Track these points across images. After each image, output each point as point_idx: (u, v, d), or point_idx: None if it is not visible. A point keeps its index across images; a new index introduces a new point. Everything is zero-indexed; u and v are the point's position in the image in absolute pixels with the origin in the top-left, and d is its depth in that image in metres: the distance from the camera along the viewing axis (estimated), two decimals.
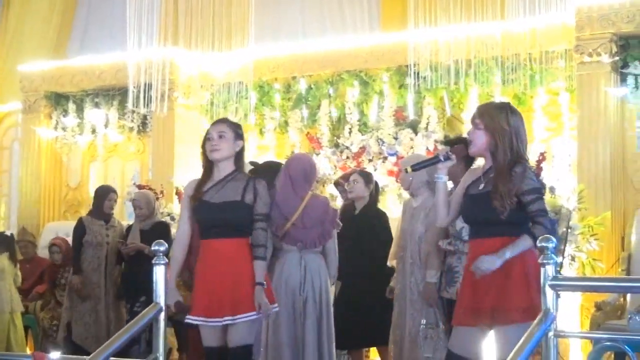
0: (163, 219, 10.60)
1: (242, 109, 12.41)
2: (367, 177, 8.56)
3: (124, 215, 12.64)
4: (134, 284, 9.44)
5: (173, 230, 10.34)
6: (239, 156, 6.02)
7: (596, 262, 9.40)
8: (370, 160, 11.47)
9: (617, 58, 9.97)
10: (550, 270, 4.52)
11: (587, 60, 9.98)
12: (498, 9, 10.35)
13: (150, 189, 11.15)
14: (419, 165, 5.63)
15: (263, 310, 5.85)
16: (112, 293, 10.02)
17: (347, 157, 11.61)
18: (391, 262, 7.91)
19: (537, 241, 4.61)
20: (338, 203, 9.77)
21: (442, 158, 5.33)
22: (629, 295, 8.93)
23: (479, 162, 5.65)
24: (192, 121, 12.77)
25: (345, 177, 9.00)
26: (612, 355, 8.11)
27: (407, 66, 10.95)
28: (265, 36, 12.28)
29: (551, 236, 4.62)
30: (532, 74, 10.51)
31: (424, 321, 7.06)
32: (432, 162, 5.41)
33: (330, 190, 10.90)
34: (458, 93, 10.94)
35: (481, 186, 5.29)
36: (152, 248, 5.22)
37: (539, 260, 4.56)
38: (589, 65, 10.00)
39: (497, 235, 5.19)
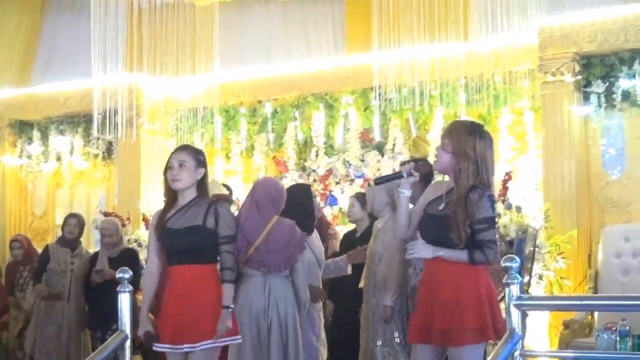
0: (130, 246, 10.55)
1: (208, 134, 12.43)
2: (363, 199, 8.50)
3: (90, 242, 12.57)
4: (103, 313, 9.33)
5: (141, 257, 10.33)
6: (201, 183, 5.98)
7: (564, 280, 9.45)
8: (337, 183, 11.50)
9: (579, 77, 10.06)
10: (514, 290, 4.55)
11: (551, 79, 10.06)
12: (461, 30, 10.39)
13: (116, 215, 11.11)
14: (382, 180, 5.60)
15: (219, 333, 5.77)
16: (75, 321, 9.92)
17: (314, 180, 11.63)
18: (361, 284, 7.87)
19: (502, 262, 4.64)
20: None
21: (404, 174, 5.31)
22: (596, 313, 8.98)
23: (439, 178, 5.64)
24: (157, 146, 12.76)
25: None
26: None
27: (372, 88, 10.94)
28: (230, 60, 12.25)
29: (515, 256, 4.64)
30: (497, 94, 10.55)
31: (379, 342, 7.04)
32: (395, 177, 5.39)
33: None
34: (423, 114, 10.98)
35: (441, 206, 5.29)
36: (118, 276, 5.19)
37: (504, 280, 4.58)
38: (552, 85, 10.07)
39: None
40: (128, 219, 11.60)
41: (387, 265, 7.02)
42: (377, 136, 11.51)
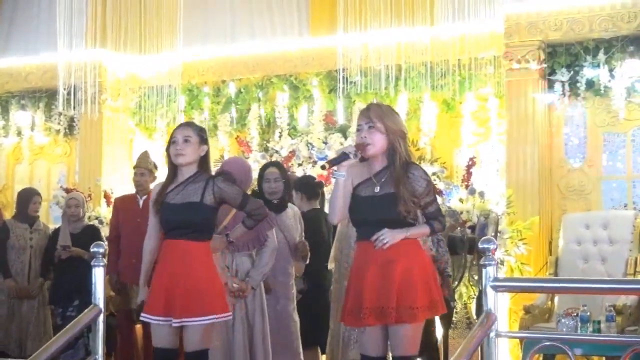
0: (91, 223, 10.49)
1: (170, 112, 12.35)
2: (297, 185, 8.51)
3: (49, 218, 12.49)
4: (66, 288, 9.26)
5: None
6: (203, 160, 5.95)
7: (524, 266, 9.56)
8: (299, 165, 11.47)
9: (544, 65, 10.13)
10: (491, 271, 4.58)
11: (516, 67, 10.12)
12: (428, 15, 10.44)
13: (77, 192, 11.00)
14: (333, 162, 5.54)
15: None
16: (34, 295, 9.85)
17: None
18: (330, 265, 7.91)
19: (479, 243, 4.68)
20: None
21: (351, 156, 5.24)
22: (556, 299, 9.10)
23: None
24: (119, 124, 12.70)
25: None
26: (541, 358, 8.26)
27: (336, 71, 10.96)
28: (194, 39, 12.20)
29: (492, 238, 4.67)
30: (462, 79, 10.61)
31: None
32: (343, 158, 5.32)
33: None
34: (388, 98, 10.94)
35: (377, 188, 5.30)
36: (91, 250, 5.15)
37: (481, 262, 4.61)
38: (517, 72, 10.14)
39: None
40: (89, 195, 11.50)
41: None
42: (340, 119, 11.52)
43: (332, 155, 10.98)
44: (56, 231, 9.76)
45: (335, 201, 5.39)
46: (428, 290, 5.23)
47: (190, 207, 5.76)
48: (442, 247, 7.85)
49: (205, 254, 5.84)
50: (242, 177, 6.91)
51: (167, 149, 5.93)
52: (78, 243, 9.18)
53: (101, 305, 5.08)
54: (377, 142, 5.27)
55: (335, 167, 5.24)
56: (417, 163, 5.50)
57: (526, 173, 10.02)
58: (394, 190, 5.21)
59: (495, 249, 4.61)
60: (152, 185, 8.45)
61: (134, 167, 9.51)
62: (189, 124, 6.07)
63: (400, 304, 5.15)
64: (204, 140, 5.93)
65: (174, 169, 5.91)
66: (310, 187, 8.69)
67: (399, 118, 5.41)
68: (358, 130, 5.36)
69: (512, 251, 9.48)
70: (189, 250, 5.74)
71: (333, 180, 5.45)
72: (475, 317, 9.29)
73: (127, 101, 12.71)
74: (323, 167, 5.46)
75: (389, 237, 5.17)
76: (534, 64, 10.05)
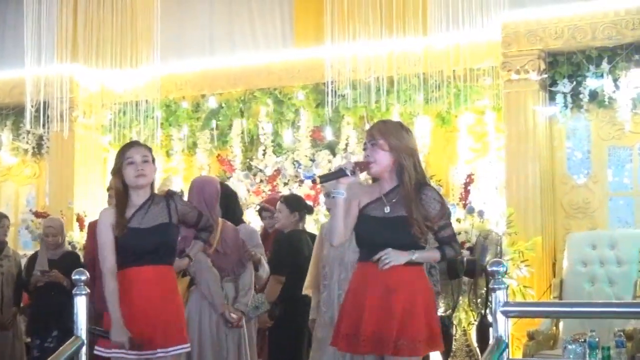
0: (70, 249, 10.38)
1: (147, 129, 12.24)
2: (291, 203, 8.41)
3: (17, 244, 12.40)
4: (43, 318, 9.12)
5: None
6: (152, 182, 5.96)
7: (527, 289, 9.48)
8: (285, 184, 11.41)
9: (545, 75, 10.11)
10: (501, 295, 4.52)
11: (515, 77, 10.10)
12: (420, 24, 10.40)
13: (47, 215, 10.91)
14: (326, 178, 5.47)
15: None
16: (7, 326, 9.73)
17: (261, 181, 11.56)
18: (307, 291, 7.76)
19: (488, 266, 4.61)
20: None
21: (348, 172, 5.19)
22: (561, 324, 9.03)
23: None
24: (92, 142, 12.63)
25: (272, 201, 8.87)
26: None
27: (324, 83, 10.92)
28: (172, 51, 12.13)
29: (501, 260, 4.62)
30: (457, 92, 10.58)
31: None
32: (339, 174, 5.26)
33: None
34: (379, 112, 10.92)
35: (387, 209, 5.24)
36: (73, 277, 5.06)
37: (490, 285, 4.55)
38: (516, 83, 10.13)
39: None
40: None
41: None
42: (328, 135, 11.48)
43: (318, 173, 10.95)
44: (32, 257, 9.62)
45: (336, 222, 5.32)
46: (429, 324, 5.18)
47: (161, 229, 5.71)
48: (435, 274, 7.83)
49: (174, 277, 5.88)
50: (217, 198, 6.97)
51: (117, 171, 5.82)
52: (57, 269, 9.09)
53: (83, 336, 4.98)
54: (381, 160, 5.22)
55: (329, 184, 5.18)
56: (429, 184, 5.42)
57: (527, 190, 9.99)
58: (405, 213, 5.16)
59: (506, 271, 4.55)
60: None
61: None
62: (141, 144, 6.04)
63: (400, 336, 5.09)
64: (154, 160, 5.91)
65: (125, 191, 5.83)
66: (307, 206, 8.60)
67: (407, 135, 5.32)
68: (364, 149, 5.37)
69: (513, 274, 9.40)
70: (163, 274, 5.69)
71: (322, 200, 5.41)
72: (475, 344, 9.23)
73: (100, 118, 12.64)
74: (314, 181, 5.39)
75: (392, 257, 5.09)
76: (534, 74, 10.04)
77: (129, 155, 5.79)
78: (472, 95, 10.63)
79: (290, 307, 8.07)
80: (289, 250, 7.95)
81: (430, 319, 5.21)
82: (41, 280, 9.19)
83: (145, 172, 5.75)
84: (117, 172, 5.82)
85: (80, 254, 10.28)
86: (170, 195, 6.01)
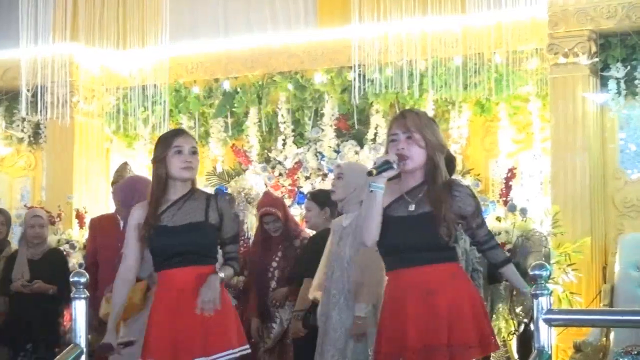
0: (57, 246, 10.44)
1: (154, 117, 12.29)
2: (320, 199, 8.40)
3: (10, 242, 12.43)
4: (19, 327, 9.17)
5: (74, 261, 10.23)
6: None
7: (574, 295, 9.47)
8: (307, 178, 11.44)
9: (596, 59, 10.10)
10: (544, 302, 4.55)
11: (562, 61, 10.07)
12: (458, 1, 10.43)
13: (45, 211, 10.98)
14: (378, 170, 5.39)
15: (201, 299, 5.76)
16: None
17: (280, 174, 11.57)
18: (313, 295, 7.73)
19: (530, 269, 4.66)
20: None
21: (395, 165, 5.14)
22: (612, 335, 9.03)
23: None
24: (94, 131, 12.69)
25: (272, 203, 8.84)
26: None
27: (350, 67, 10.95)
28: (182, 31, 12.19)
29: (544, 263, 4.66)
30: (498, 77, 10.57)
31: None
32: (385, 167, 5.21)
33: None
34: (411, 99, 10.94)
35: (411, 207, 5.22)
36: (72, 279, 5.10)
37: (532, 291, 4.59)
38: (564, 67, 10.09)
39: (427, 263, 5.17)
40: (59, 215, 11.50)
41: (361, 271, 6.95)
42: (355, 123, 11.49)
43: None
44: (11, 257, 9.65)
45: (372, 221, 5.24)
46: (479, 325, 5.16)
47: (195, 228, 5.72)
48: (477, 277, 7.87)
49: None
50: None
51: (160, 160, 5.83)
52: (38, 271, 9.11)
53: (83, 344, 5.03)
54: (416, 157, 5.20)
55: (372, 177, 5.16)
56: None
57: (575, 186, 9.96)
58: (432, 209, 5.16)
59: (549, 276, 4.58)
60: None
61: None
62: (189, 133, 6.03)
63: (452, 342, 5.09)
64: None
65: (165, 184, 5.87)
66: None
67: (438, 130, 5.33)
68: (393, 140, 5.25)
69: (559, 279, 9.42)
70: (197, 278, 5.66)
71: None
72: (516, 356, 9.25)
73: (103, 104, 12.70)
74: (370, 174, 5.30)
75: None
76: (584, 57, 10.01)
77: (178, 144, 5.79)
78: (515, 81, 10.59)
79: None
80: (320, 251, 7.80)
81: (480, 320, 5.18)
82: (23, 291, 9.24)
83: (192, 164, 5.77)
84: (162, 160, 5.82)
85: (80, 254, 10.38)
86: (214, 194, 6.04)
